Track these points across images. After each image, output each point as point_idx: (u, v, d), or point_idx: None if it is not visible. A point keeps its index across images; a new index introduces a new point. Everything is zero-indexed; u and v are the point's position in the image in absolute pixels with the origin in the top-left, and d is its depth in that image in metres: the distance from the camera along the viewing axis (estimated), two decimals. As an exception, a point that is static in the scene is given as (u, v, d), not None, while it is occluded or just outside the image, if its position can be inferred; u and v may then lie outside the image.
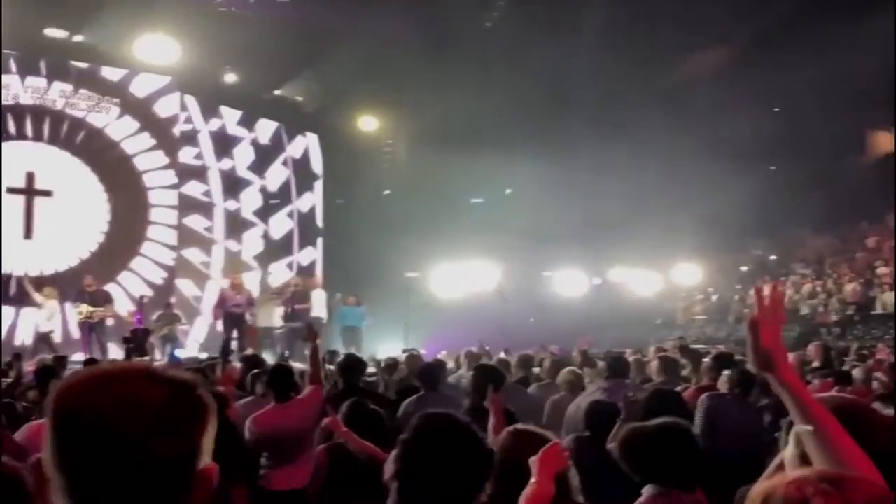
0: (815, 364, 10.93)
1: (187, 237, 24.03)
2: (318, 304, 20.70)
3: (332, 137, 26.56)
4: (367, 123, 26.56)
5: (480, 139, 23.36)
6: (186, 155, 24.39)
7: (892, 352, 14.18)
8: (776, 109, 33.39)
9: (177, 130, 24.11)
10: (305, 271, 25.08)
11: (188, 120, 24.51)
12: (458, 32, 23.53)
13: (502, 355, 13.03)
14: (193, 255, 24.19)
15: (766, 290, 2.36)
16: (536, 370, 11.00)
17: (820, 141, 31.25)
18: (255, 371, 9.01)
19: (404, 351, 14.43)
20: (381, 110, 26.38)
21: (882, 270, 25.96)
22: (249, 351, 15.06)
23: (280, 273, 25.29)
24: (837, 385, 8.30)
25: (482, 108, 22.75)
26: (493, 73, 23.37)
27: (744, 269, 28.97)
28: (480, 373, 7.27)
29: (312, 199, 26.84)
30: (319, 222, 26.85)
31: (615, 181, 25.02)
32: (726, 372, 7.62)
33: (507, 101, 22.93)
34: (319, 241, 26.71)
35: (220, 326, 18.45)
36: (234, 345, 17.52)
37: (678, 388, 7.95)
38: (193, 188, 24.47)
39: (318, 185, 26.92)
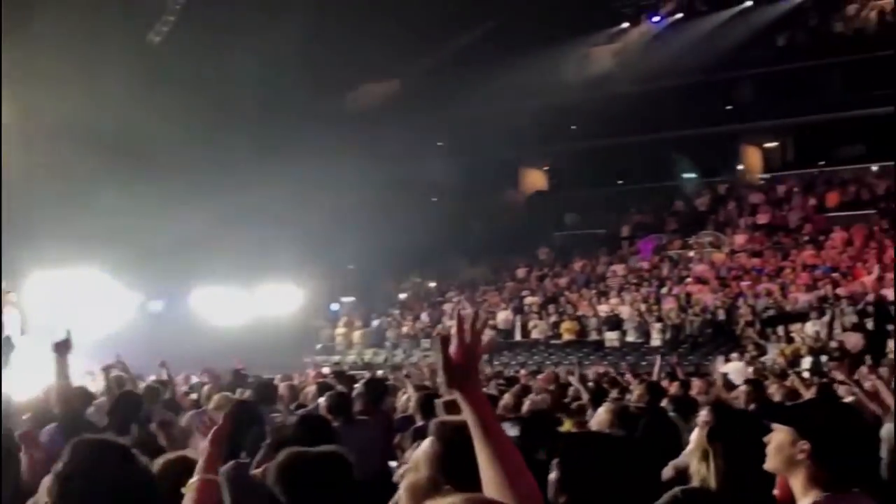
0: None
1: None
2: None
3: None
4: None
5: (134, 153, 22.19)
6: None
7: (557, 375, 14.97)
8: (440, 144, 34.72)
9: None
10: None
11: None
12: (124, 45, 22.53)
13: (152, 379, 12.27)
14: None
15: (466, 312, 2.36)
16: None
17: (478, 176, 32.77)
18: None
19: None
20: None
21: (530, 300, 27.58)
22: None
23: None
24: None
25: (138, 121, 21.63)
26: (156, 88, 22.42)
27: (402, 296, 29.72)
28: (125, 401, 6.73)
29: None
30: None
31: (272, 206, 24.70)
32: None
33: (163, 116, 21.95)
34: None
35: None
36: None
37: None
38: None
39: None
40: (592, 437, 3.23)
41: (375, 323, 28.03)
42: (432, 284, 31.03)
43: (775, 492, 5.32)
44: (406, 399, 9.63)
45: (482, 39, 31.93)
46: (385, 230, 25.82)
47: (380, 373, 17.41)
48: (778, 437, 2.98)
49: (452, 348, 2.26)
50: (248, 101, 25.80)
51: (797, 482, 2.92)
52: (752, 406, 8.92)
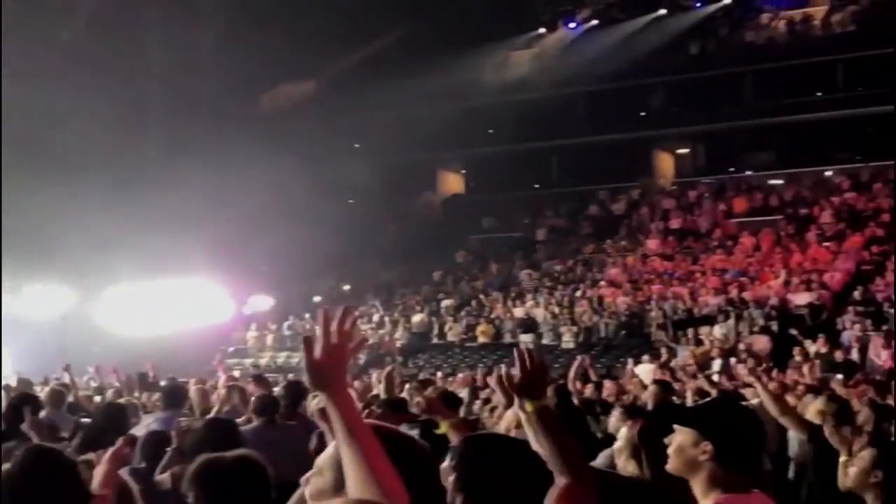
0: (376, 392, 11.11)
1: None
2: None
3: None
4: None
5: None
6: None
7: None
8: (356, 146, 34.59)
9: None
10: None
11: None
12: (34, 42, 21.98)
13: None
14: None
15: (336, 313, 2.31)
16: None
17: (395, 178, 32.71)
18: None
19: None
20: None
21: (446, 302, 27.60)
22: None
23: None
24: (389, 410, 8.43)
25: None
26: (67, 86, 21.91)
27: (317, 298, 29.43)
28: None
29: None
30: None
31: (183, 206, 24.26)
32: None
33: (74, 114, 21.47)
34: None
35: None
36: None
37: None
38: None
39: None
40: (491, 439, 3.24)
41: (289, 325, 27.71)
42: (347, 287, 30.82)
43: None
44: (316, 402, 9.51)
45: (400, 41, 31.93)
46: (300, 232, 25.55)
47: (290, 376, 17.18)
48: (679, 438, 2.99)
49: (317, 349, 2.24)
50: (160, 100, 25.36)
51: (698, 484, 2.93)
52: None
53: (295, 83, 34.17)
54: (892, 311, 20.24)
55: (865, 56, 30.13)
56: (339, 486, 2.27)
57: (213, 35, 25.09)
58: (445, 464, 2.86)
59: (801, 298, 22.01)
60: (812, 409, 7.33)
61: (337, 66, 32.86)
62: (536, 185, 35.84)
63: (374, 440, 2.21)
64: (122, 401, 8.77)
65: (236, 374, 18.26)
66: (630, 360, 19.53)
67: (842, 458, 5.23)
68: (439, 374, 19.54)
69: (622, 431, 4.24)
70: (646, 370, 19.45)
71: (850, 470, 4.40)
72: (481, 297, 27.44)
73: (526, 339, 23.70)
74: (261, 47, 26.71)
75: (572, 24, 36.74)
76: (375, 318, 27.53)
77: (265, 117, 31.87)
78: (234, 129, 26.37)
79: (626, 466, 4.06)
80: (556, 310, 25.06)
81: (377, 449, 2.19)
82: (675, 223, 29.80)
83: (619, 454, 4.22)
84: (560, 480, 2.87)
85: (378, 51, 32.18)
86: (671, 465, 3.03)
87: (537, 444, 2.98)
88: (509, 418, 6.29)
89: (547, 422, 2.98)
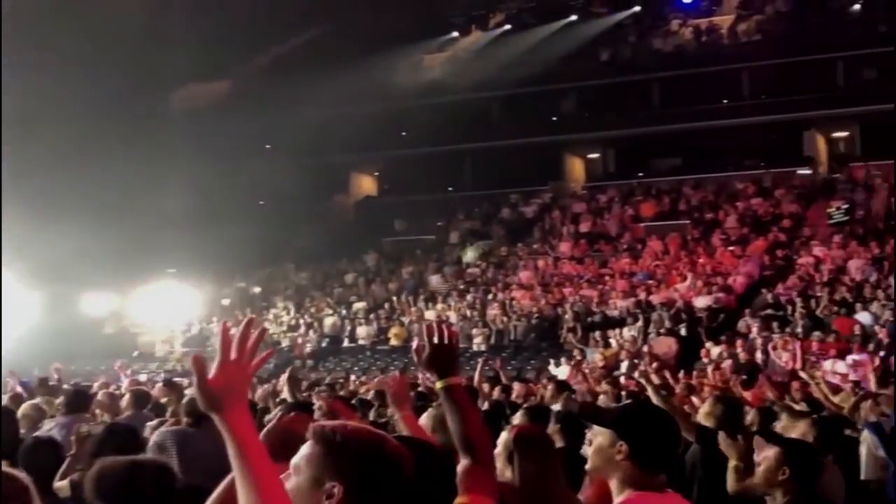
0: (284, 395, 10.98)
1: None
2: None
3: None
4: None
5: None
6: None
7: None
8: (269, 146, 34.25)
9: None
10: None
11: None
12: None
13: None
14: None
15: (236, 328, 2.17)
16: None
17: (308, 180, 32.47)
18: None
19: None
20: None
21: (358, 305, 27.46)
22: None
23: None
24: (296, 412, 8.36)
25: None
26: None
27: (225, 301, 29.02)
28: None
29: None
30: None
31: (90, 207, 23.75)
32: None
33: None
34: None
35: None
36: None
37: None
38: None
39: None
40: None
41: (197, 329, 27.25)
42: (257, 290, 30.46)
43: (583, 494, 5.38)
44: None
45: (315, 42, 31.76)
46: (209, 233, 25.20)
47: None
48: (598, 438, 3.06)
49: (213, 368, 2.11)
50: (67, 97, 24.70)
51: (614, 482, 3.00)
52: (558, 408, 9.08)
53: (208, 82, 33.73)
54: (794, 313, 20.79)
55: (769, 65, 30.96)
56: (319, 483, 2.21)
57: (125, 31, 24.54)
58: None
59: (705, 301, 22.46)
60: (701, 411, 7.46)
61: (251, 66, 32.53)
62: (450, 188, 35.94)
63: (267, 462, 2.10)
64: (27, 405, 8.48)
65: (142, 377, 17.89)
66: (539, 363, 19.71)
67: (731, 463, 5.33)
68: (353, 377, 19.44)
69: (501, 436, 4.24)
70: (563, 372, 19.69)
71: (758, 469, 4.48)
72: (394, 299, 27.38)
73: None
74: (175, 45, 26.30)
75: (485, 29, 37.01)
76: (286, 320, 27.25)
77: (177, 116, 31.39)
78: (143, 128, 25.85)
79: (504, 472, 4.04)
80: (468, 312, 25.14)
81: (269, 471, 2.09)
82: (585, 227, 30.16)
83: (497, 458, 4.20)
84: (464, 460, 2.85)
85: (293, 51, 31.97)
86: (590, 465, 3.09)
87: (449, 422, 2.94)
88: (422, 421, 6.27)
89: (456, 401, 2.91)
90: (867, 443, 8.27)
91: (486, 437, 2.96)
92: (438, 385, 2.98)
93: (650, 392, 7.23)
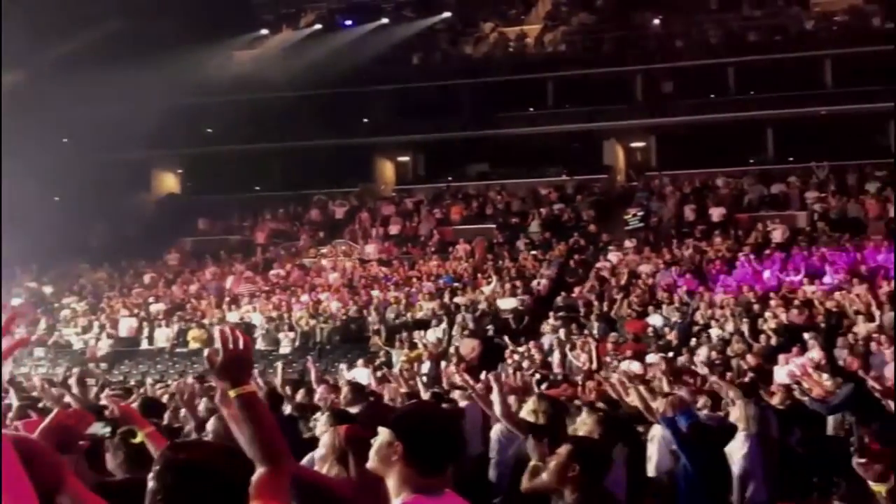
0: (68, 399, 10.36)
1: None
2: None
3: None
4: None
5: None
6: None
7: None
8: (65, 140, 32.68)
9: None
10: None
11: None
12: None
13: None
14: None
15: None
16: None
17: (106, 176, 31.17)
18: None
19: None
20: None
21: (157, 307, 26.44)
22: None
23: None
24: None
25: None
26: None
27: (16, 301, 27.33)
28: None
29: None
30: None
31: None
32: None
33: None
34: None
35: None
36: None
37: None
38: None
39: None
40: (193, 446, 3.08)
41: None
42: (49, 289, 28.88)
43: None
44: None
45: (118, 35, 30.34)
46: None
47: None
48: (379, 438, 3.01)
49: None
50: None
51: (391, 483, 2.95)
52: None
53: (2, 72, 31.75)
54: (591, 316, 21.44)
55: (573, 75, 31.92)
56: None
57: None
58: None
59: (509, 303, 22.86)
60: (525, 409, 7.53)
61: (48, 57, 30.87)
62: (257, 188, 35.23)
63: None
64: None
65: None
66: (345, 365, 19.53)
67: (532, 463, 5.36)
68: (149, 379, 18.70)
69: (324, 437, 4.20)
70: (360, 374, 19.55)
71: (549, 465, 4.55)
72: (194, 301, 26.53)
73: (241, 344, 23.12)
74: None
75: (295, 28, 36.57)
76: (80, 322, 25.96)
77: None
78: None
79: (331, 470, 4.05)
80: (273, 314, 24.66)
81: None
82: (394, 229, 30.20)
83: (324, 460, 4.15)
84: (260, 468, 2.78)
85: (94, 42, 30.47)
86: (370, 464, 3.06)
87: (238, 431, 2.89)
88: (213, 424, 5.99)
89: (249, 409, 2.84)
90: (657, 437, 8.53)
91: (282, 443, 2.91)
92: (232, 394, 2.87)
93: (475, 396, 7.17)
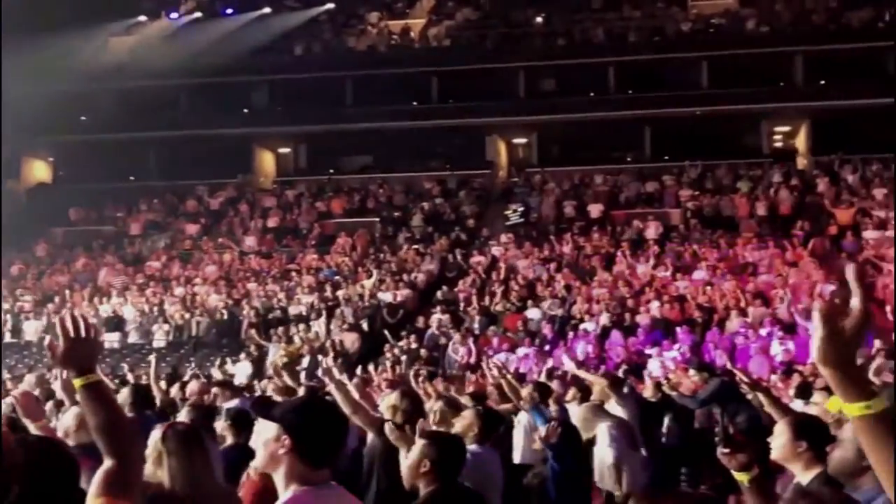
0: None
1: None
2: None
3: None
4: None
5: None
6: None
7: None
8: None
9: None
10: None
11: None
12: None
13: None
14: None
15: None
16: None
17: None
18: None
19: None
20: None
21: (26, 298, 25.52)
22: None
23: None
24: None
25: None
26: None
27: None
28: None
29: None
30: None
31: None
32: None
33: None
34: None
35: None
36: None
37: None
38: None
39: None
40: (42, 442, 3.10)
41: None
42: None
43: (243, 490, 5.15)
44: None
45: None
46: None
47: None
48: (265, 433, 3.00)
49: None
50: None
51: (279, 477, 2.94)
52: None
53: None
54: (470, 310, 21.55)
55: (456, 70, 31.99)
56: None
57: None
58: None
59: (389, 297, 22.80)
60: (384, 404, 7.42)
61: None
62: (132, 178, 34.27)
63: None
64: None
65: None
66: (220, 359, 19.19)
67: (402, 454, 5.32)
68: (6, 374, 18.00)
69: (151, 437, 4.05)
70: (240, 369, 19.29)
71: (405, 463, 4.63)
72: (66, 293, 25.64)
73: (112, 337, 22.52)
74: None
75: (175, 15, 35.72)
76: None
77: None
78: None
79: (156, 472, 3.89)
80: (147, 308, 24.03)
81: None
82: (273, 221, 29.78)
83: (149, 460, 3.98)
84: (106, 461, 2.71)
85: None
86: (257, 461, 3.04)
87: (91, 421, 2.77)
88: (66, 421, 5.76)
89: (96, 399, 2.74)
90: (523, 424, 8.62)
91: (130, 436, 2.84)
92: (78, 383, 2.77)
93: (332, 389, 7.00)
